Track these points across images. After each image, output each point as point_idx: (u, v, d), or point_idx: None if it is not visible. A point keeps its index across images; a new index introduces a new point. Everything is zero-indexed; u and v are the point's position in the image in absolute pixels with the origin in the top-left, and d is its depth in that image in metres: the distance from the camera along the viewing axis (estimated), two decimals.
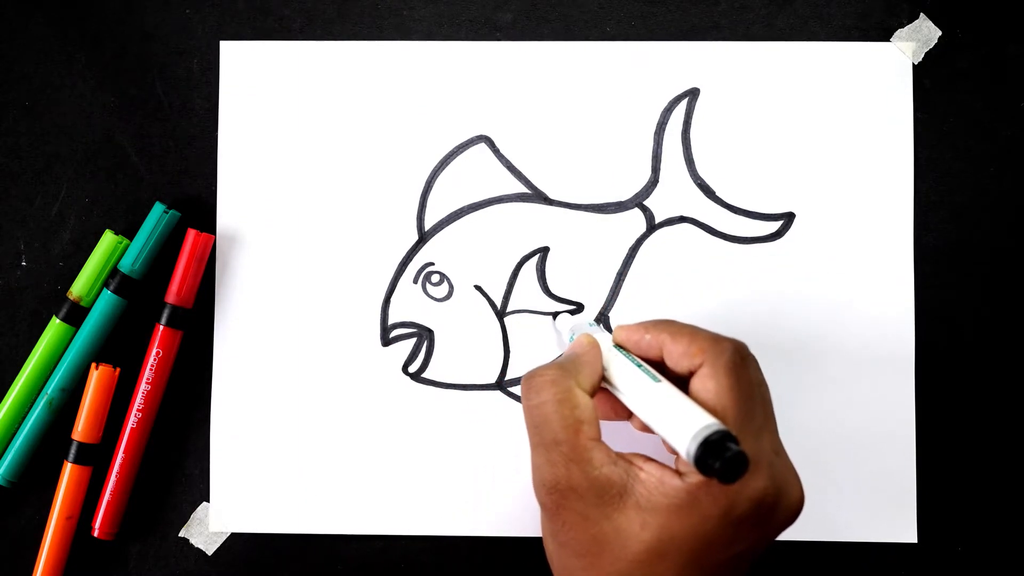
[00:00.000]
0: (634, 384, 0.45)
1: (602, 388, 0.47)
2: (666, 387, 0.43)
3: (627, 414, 0.48)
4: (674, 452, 0.44)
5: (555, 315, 0.54)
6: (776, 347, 0.53)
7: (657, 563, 0.42)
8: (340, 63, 0.54)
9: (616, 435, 0.49)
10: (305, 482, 0.54)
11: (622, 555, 0.42)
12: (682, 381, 0.45)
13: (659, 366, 0.46)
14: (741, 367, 0.43)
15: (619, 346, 0.47)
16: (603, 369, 0.46)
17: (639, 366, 0.45)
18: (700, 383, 0.43)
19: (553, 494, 0.43)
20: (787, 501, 0.43)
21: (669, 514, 0.42)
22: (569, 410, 0.43)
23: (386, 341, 0.54)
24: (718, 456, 0.39)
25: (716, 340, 0.44)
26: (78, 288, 0.53)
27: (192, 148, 0.54)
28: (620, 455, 0.43)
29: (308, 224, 0.54)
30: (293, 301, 0.54)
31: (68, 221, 0.54)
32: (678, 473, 0.42)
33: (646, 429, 0.46)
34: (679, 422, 0.41)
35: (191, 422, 0.54)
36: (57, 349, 0.53)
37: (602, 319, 0.54)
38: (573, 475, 0.42)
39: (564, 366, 0.45)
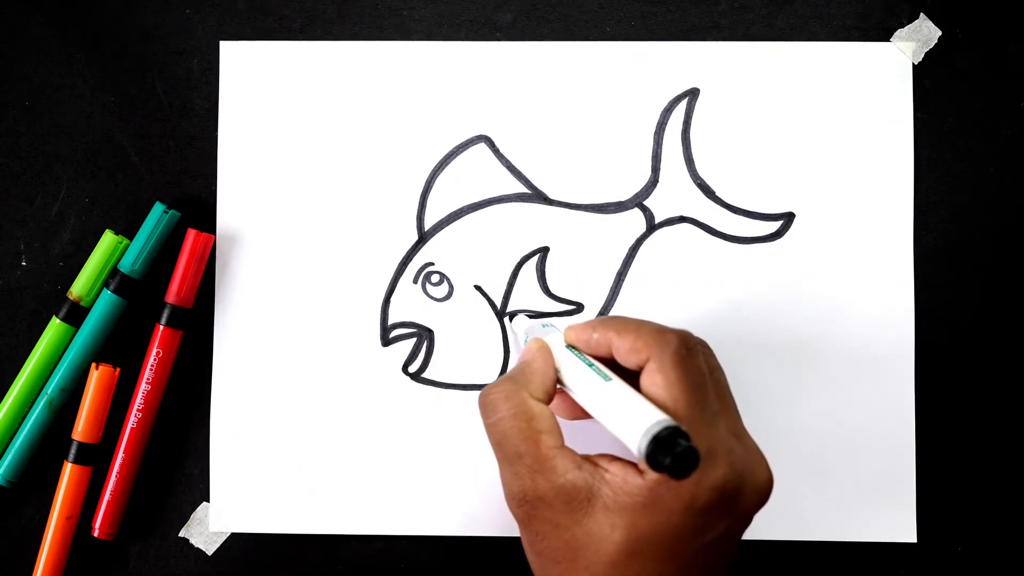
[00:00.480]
0: (585, 384, 0.45)
1: (560, 390, 0.47)
2: (616, 385, 0.44)
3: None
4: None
5: (512, 316, 0.54)
6: (776, 347, 0.53)
7: (630, 562, 0.42)
8: (340, 63, 0.54)
9: (590, 433, 0.49)
10: (305, 482, 0.54)
11: (596, 558, 0.42)
12: (635, 377, 0.45)
13: (612, 364, 0.46)
14: (688, 358, 0.43)
15: (571, 346, 0.47)
16: (556, 371, 0.47)
17: (590, 365, 0.45)
18: (648, 378, 0.44)
19: (523, 506, 0.43)
20: (752, 484, 0.43)
21: (635, 513, 0.42)
22: (526, 423, 0.44)
23: (386, 341, 0.54)
24: (668, 452, 0.39)
25: (661, 333, 0.44)
26: (78, 288, 0.53)
27: (192, 148, 0.54)
28: (585, 458, 0.44)
29: (308, 224, 0.54)
30: (293, 301, 0.54)
31: (68, 221, 0.54)
32: (639, 471, 0.43)
33: None
34: (629, 420, 0.41)
35: (191, 422, 0.54)
36: (57, 349, 0.53)
37: None
38: (539, 485, 0.43)
39: (515, 378, 0.45)
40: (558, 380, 0.47)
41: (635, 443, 0.40)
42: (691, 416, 0.42)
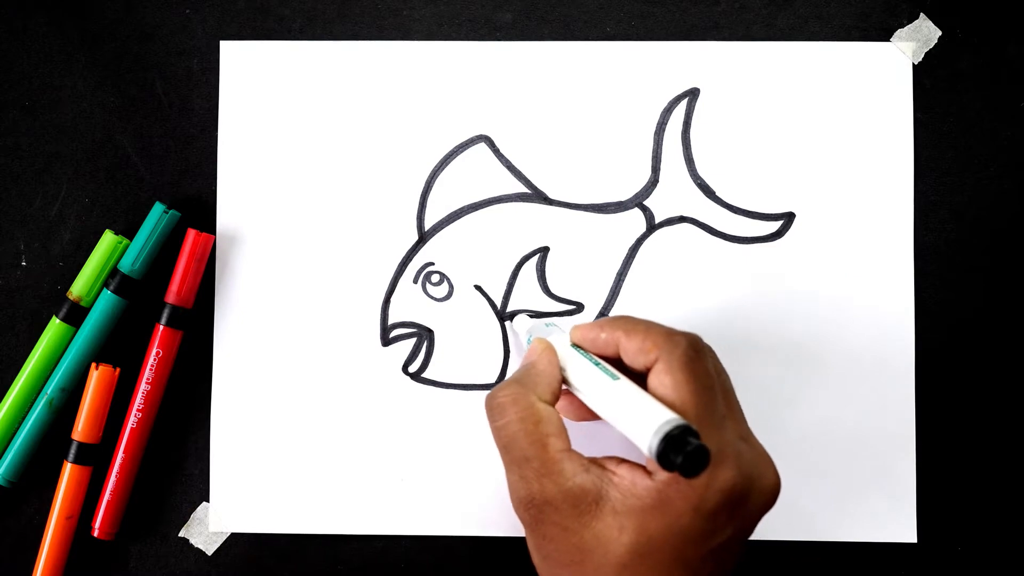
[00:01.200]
0: (592, 383, 0.45)
1: (566, 391, 0.47)
2: (624, 384, 0.44)
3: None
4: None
5: (512, 316, 0.54)
6: (776, 347, 0.53)
7: (639, 565, 0.42)
8: (340, 63, 0.54)
9: (596, 436, 0.49)
10: (305, 482, 0.54)
11: (604, 561, 0.42)
12: (641, 378, 0.45)
13: (617, 364, 0.46)
14: (696, 360, 0.43)
15: (577, 346, 0.47)
16: (561, 371, 0.46)
17: (597, 364, 0.45)
18: (656, 379, 0.43)
19: (531, 509, 0.43)
20: (760, 487, 0.43)
21: (644, 515, 0.42)
22: (533, 426, 0.44)
23: (386, 341, 0.54)
24: (679, 451, 0.39)
25: (669, 334, 0.44)
26: (78, 288, 0.53)
27: (192, 148, 0.54)
28: (592, 460, 0.44)
29: (308, 224, 0.54)
30: (293, 301, 0.54)
31: (68, 221, 0.54)
32: (648, 473, 0.43)
33: None
34: (639, 418, 0.41)
35: (191, 422, 0.54)
36: (57, 349, 0.53)
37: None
38: (547, 489, 0.43)
39: (522, 381, 0.45)
40: (564, 380, 0.47)
41: (645, 442, 0.40)
42: (699, 417, 0.42)
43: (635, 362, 0.45)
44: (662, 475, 0.42)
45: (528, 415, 0.44)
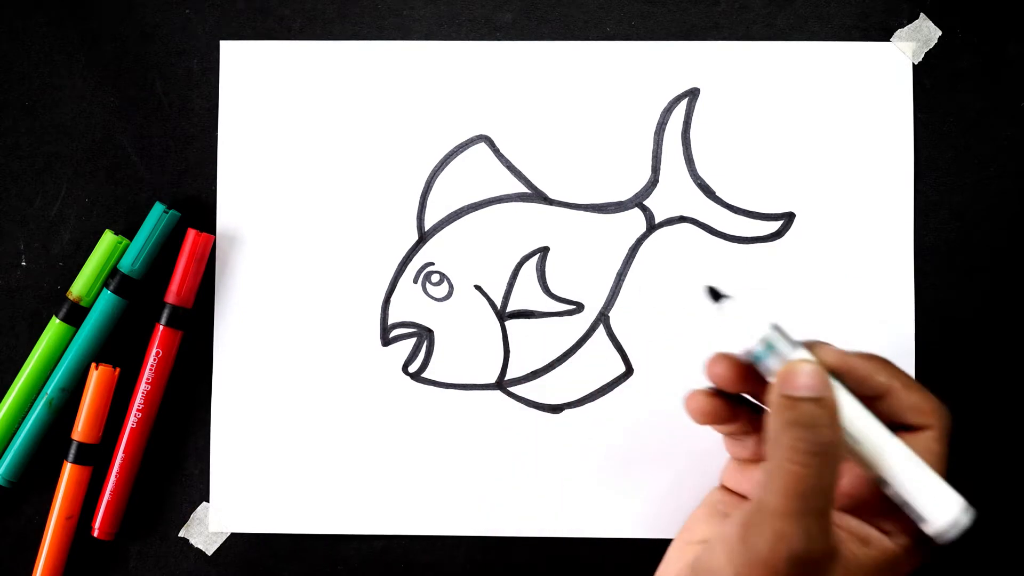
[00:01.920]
0: (872, 434, 0.42)
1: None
2: (902, 445, 0.42)
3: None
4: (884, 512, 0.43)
5: (715, 293, 0.42)
6: None
7: None
8: (340, 63, 0.54)
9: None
10: (305, 482, 0.54)
11: None
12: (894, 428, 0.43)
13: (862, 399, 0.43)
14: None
15: (833, 373, 0.42)
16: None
17: (869, 412, 0.43)
18: (925, 445, 0.43)
19: (799, 567, 0.39)
20: None
21: (875, 574, 0.42)
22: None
23: (386, 341, 0.54)
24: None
25: (941, 404, 0.44)
26: (78, 288, 0.53)
27: (192, 148, 0.54)
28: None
29: (308, 224, 0.54)
30: (293, 301, 0.54)
31: (68, 221, 0.54)
32: (884, 532, 0.43)
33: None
34: (933, 493, 0.42)
35: (191, 422, 0.54)
36: (57, 349, 0.53)
37: (603, 319, 0.54)
38: (826, 547, 0.40)
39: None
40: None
41: (938, 519, 0.42)
42: None
43: (903, 416, 0.43)
44: (901, 539, 0.42)
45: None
